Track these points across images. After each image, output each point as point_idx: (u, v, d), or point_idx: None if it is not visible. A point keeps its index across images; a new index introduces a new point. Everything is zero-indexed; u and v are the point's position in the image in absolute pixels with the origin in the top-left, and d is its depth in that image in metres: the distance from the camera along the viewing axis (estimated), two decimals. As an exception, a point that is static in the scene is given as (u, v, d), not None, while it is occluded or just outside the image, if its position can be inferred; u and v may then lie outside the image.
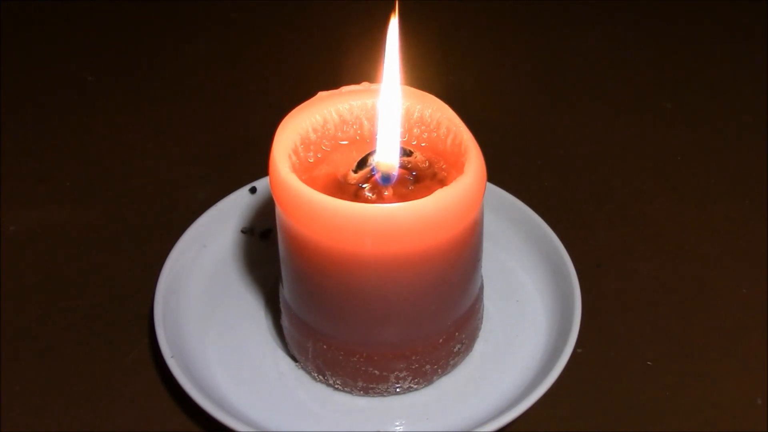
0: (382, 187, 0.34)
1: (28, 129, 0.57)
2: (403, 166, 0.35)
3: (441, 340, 0.36)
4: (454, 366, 0.38)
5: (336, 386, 0.37)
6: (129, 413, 0.39)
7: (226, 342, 0.40)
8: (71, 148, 0.56)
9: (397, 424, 0.37)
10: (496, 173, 0.44)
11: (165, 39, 0.67)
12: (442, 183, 0.35)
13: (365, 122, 0.37)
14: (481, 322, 0.39)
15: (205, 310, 0.41)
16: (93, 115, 0.59)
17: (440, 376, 0.38)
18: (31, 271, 0.46)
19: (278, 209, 0.33)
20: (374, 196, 0.34)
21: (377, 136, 0.35)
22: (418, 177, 0.35)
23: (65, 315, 0.44)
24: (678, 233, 0.49)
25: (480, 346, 0.40)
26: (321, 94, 0.36)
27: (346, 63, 0.58)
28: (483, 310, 0.39)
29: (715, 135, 0.57)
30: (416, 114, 0.36)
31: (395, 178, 0.34)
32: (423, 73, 0.60)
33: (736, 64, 0.65)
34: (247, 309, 0.42)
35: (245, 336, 0.41)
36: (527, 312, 0.42)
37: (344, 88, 0.36)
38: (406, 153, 0.35)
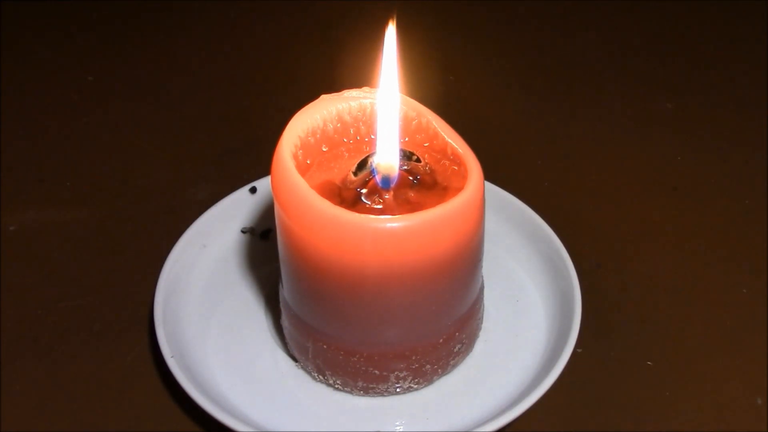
0: (383, 191, 0.34)
1: (28, 129, 0.57)
2: (403, 170, 0.35)
3: (441, 340, 0.36)
4: (454, 366, 0.38)
5: (336, 386, 0.37)
6: (129, 413, 0.39)
7: (226, 342, 0.40)
8: (71, 148, 0.56)
9: (397, 424, 0.37)
10: (496, 173, 0.44)
11: (165, 39, 0.67)
12: (444, 188, 0.35)
13: (365, 126, 0.37)
14: (482, 322, 0.39)
15: (205, 310, 0.41)
16: (93, 115, 0.59)
17: (440, 376, 0.38)
18: (31, 270, 0.46)
19: (279, 211, 0.33)
20: (373, 203, 0.34)
21: (377, 139, 0.35)
22: (419, 181, 0.35)
23: (65, 315, 0.44)
24: (678, 233, 0.49)
25: (480, 346, 0.40)
26: (324, 96, 0.36)
27: (350, 65, 0.57)
28: (483, 310, 0.39)
29: (715, 135, 0.57)
30: (414, 121, 0.36)
31: (395, 180, 0.34)
32: (423, 72, 0.60)
33: (736, 65, 0.65)
34: (247, 309, 0.42)
35: (245, 336, 0.41)
36: (527, 312, 0.42)
37: (346, 92, 0.36)
38: (407, 155, 0.35)
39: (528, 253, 0.44)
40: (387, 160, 0.34)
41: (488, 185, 0.43)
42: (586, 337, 0.41)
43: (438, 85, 0.61)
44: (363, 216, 0.31)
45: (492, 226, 0.44)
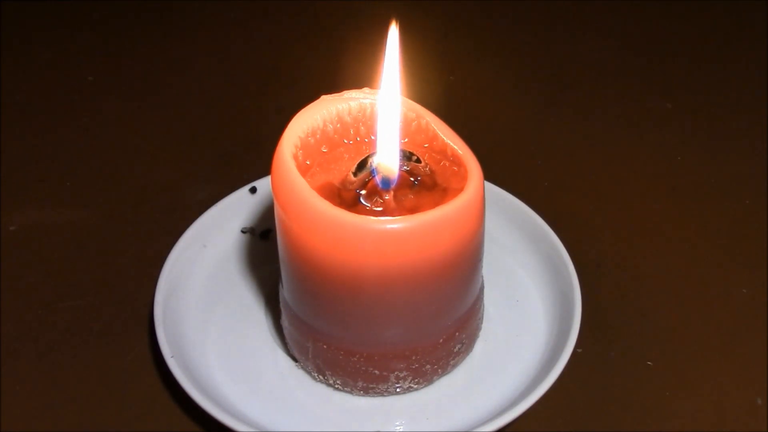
0: (383, 191, 0.34)
1: (28, 129, 0.57)
2: (404, 170, 0.35)
3: (441, 340, 0.36)
4: (454, 366, 0.38)
5: (336, 386, 0.37)
6: (129, 413, 0.39)
7: (226, 342, 0.40)
8: (71, 148, 0.56)
9: (397, 424, 0.37)
10: (496, 173, 0.44)
11: (165, 39, 0.67)
12: (444, 189, 0.35)
13: (365, 127, 0.37)
14: (482, 322, 0.39)
15: (205, 310, 0.41)
16: (93, 115, 0.59)
17: (440, 376, 0.38)
18: (31, 271, 0.46)
19: (279, 211, 0.33)
20: (373, 204, 0.34)
21: (378, 139, 0.35)
22: (419, 182, 0.35)
23: (65, 315, 0.44)
24: (678, 233, 0.49)
25: (480, 346, 0.40)
26: (324, 97, 0.36)
27: (350, 66, 0.58)
28: (483, 310, 0.39)
29: (715, 135, 0.57)
30: (414, 123, 0.36)
31: (395, 181, 0.34)
32: (423, 72, 0.60)
33: (736, 64, 0.65)
34: (247, 309, 0.42)
35: (245, 336, 0.41)
36: (527, 312, 0.42)
37: (346, 93, 0.36)
38: (407, 156, 0.35)
39: (528, 253, 0.44)
40: (387, 160, 0.34)
41: (488, 185, 0.43)
42: (586, 337, 0.41)
43: (438, 85, 0.61)
44: (363, 217, 0.31)
45: (492, 226, 0.44)
